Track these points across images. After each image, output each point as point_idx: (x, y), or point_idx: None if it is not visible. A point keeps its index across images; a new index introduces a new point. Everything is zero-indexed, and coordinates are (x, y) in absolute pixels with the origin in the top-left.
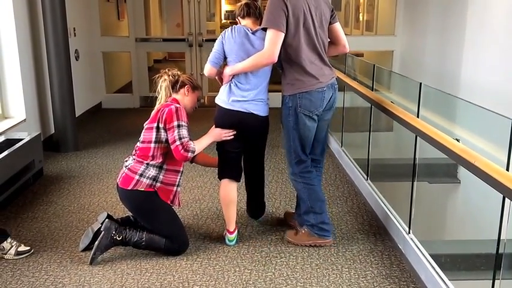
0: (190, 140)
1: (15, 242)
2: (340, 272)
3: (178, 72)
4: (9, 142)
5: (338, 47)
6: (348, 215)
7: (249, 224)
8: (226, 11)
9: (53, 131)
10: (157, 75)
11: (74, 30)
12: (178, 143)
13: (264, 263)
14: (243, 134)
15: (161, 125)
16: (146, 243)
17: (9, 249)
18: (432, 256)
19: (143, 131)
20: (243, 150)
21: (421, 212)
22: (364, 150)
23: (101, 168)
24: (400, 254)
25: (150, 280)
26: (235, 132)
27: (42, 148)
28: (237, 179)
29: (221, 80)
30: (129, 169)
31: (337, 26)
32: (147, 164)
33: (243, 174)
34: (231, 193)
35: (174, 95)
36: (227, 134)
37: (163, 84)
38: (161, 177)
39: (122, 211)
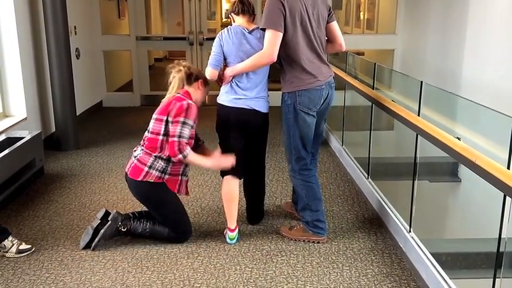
0: (187, 144)
1: (16, 241)
2: (340, 270)
3: (190, 65)
4: (10, 141)
5: (335, 45)
6: (348, 213)
7: (249, 223)
8: (227, 10)
9: (54, 130)
10: (171, 65)
11: (75, 28)
12: (176, 139)
13: (264, 261)
14: (246, 131)
15: (170, 119)
16: (150, 233)
17: (10, 248)
18: (433, 254)
19: (152, 120)
20: (245, 147)
21: (422, 210)
22: (365, 149)
23: (101, 167)
24: (400, 252)
25: (151, 278)
26: (234, 163)
27: (43, 147)
28: (239, 176)
29: (221, 81)
30: (138, 160)
31: (334, 25)
32: (156, 156)
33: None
34: (233, 190)
35: (187, 88)
36: (227, 165)
37: (176, 75)
38: (169, 169)
39: (122, 210)
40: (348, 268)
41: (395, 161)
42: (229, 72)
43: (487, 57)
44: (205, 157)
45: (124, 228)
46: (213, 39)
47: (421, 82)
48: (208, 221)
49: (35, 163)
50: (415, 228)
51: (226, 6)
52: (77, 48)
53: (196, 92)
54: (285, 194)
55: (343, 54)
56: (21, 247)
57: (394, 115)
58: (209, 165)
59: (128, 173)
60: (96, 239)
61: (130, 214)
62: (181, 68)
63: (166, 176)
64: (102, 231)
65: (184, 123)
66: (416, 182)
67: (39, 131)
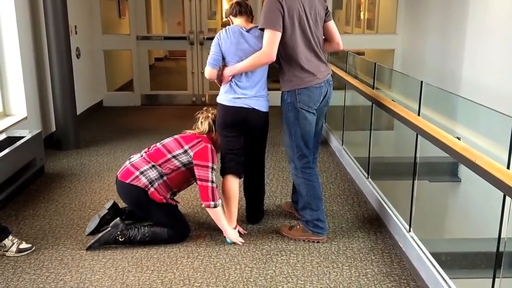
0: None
1: (16, 240)
2: (340, 270)
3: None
4: (11, 140)
5: (332, 44)
6: (348, 213)
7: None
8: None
9: (54, 129)
10: (200, 111)
11: (75, 28)
12: (210, 185)
13: (264, 261)
14: (245, 130)
15: (190, 152)
16: (150, 238)
17: (11, 247)
18: (433, 254)
19: (171, 138)
20: (245, 146)
21: (422, 210)
22: (365, 149)
23: (102, 166)
24: (400, 252)
25: (151, 278)
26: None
27: (43, 146)
28: (240, 176)
29: (220, 81)
30: (132, 164)
31: (331, 24)
32: (153, 165)
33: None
34: (233, 189)
35: (212, 134)
36: (239, 241)
37: (206, 120)
38: (156, 184)
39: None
40: (347, 268)
41: (395, 161)
42: (228, 71)
43: (487, 57)
44: (226, 220)
45: (122, 238)
46: (213, 38)
47: (421, 82)
48: (208, 220)
49: (35, 162)
50: (414, 228)
51: (226, 5)
52: (77, 47)
53: (218, 140)
54: (285, 193)
55: (344, 54)
56: (21, 246)
57: (394, 115)
58: (226, 229)
59: (119, 175)
60: (92, 241)
61: (126, 210)
62: (210, 114)
63: (152, 189)
64: (99, 234)
65: (213, 168)
66: (416, 181)
67: (39, 130)
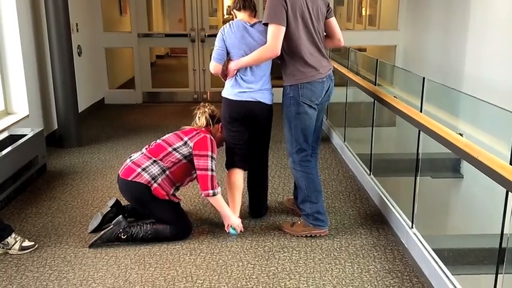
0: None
1: (19, 237)
2: (343, 266)
3: (215, 108)
4: (13, 138)
5: (334, 40)
6: (350, 209)
7: (252, 218)
8: (229, 6)
9: (56, 127)
10: (197, 107)
11: (77, 25)
12: (209, 173)
13: (267, 257)
14: (251, 123)
15: (190, 143)
16: (153, 235)
17: (14, 245)
18: (435, 250)
19: (171, 134)
20: (250, 139)
21: (424, 206)
22: (367, 145)
23: (104, 164)
24: (403, 248)
25: (153, 275)
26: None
27: (45, 144)
28: (245, 168)
29: (225, 76)
30: (133, 162)
31: (333, 21)
32: (154, 160)
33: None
34: (238, 180)
35: (211, 127)
36: (240, 226)
37: (203, 115)
38: (160, 180)
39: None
40: (350, 264)
41: (397, 157)
42: (233, 66)
43: (489, 53)
44: (228, 208)
45: (124, 236)
46: (214, 35)
47: (423, 78)
48: (210, 217)
49: (37, 160)
50: (417, 224)
51: (227, 2)
52: (78, 45)
53: (217, 133)
54: (287, 190)
55: (345, 50)
56: (24, 244)
57: (396, 111)
58: (229, 216)
59: (120, 173)
60: (94, 239)
61: (128, 207)
62: (206, 109)
63: (155, 185)
64: (102, 232)
65: (212, 157)
66: (418, 178)
67: (41, 128)
